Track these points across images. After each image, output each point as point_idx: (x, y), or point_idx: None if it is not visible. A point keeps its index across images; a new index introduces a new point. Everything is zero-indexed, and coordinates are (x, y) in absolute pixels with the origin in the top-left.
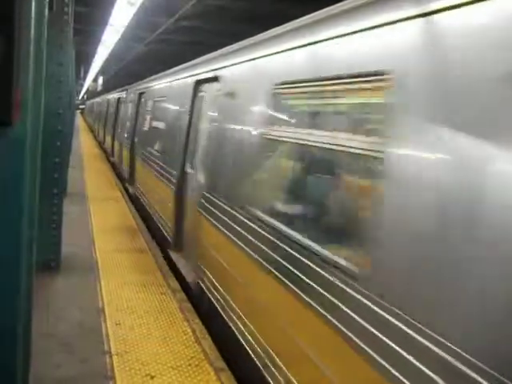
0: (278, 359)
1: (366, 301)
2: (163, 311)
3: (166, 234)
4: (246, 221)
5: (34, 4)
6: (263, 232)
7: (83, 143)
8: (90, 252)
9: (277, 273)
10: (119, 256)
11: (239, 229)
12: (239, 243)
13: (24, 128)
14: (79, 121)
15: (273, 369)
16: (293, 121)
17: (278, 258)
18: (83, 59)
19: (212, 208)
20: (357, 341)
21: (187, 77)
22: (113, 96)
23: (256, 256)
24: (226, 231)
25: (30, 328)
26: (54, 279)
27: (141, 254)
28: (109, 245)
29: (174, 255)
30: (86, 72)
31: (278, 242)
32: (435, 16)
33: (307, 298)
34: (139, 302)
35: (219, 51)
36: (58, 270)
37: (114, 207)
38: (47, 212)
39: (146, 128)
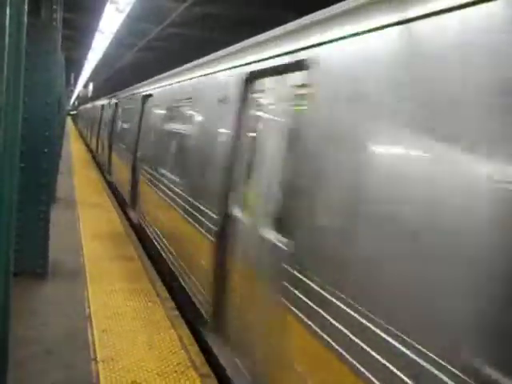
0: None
1: None
2: (151, 318)
3: (196, 301)
4: None
5: (9, 11)
6: None
7: (74, 152)
8: (78, 259)
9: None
10: (107, 263)
11: None
12: None
13: None
14: (70, 128)
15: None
16: None
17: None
18: (73, 65)
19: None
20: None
21: (227, 69)
22: (108, 101)
23: None
24: None
25: (6, 337)
26: (40, 286)
27: (129, 262)
28: (97, 252)
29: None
30: (77, 78)
31: None
32: None
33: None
34: (127, 309)
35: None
36: (45, 276)
37: (103, 214)
38: (34, 218)
39: (154, 142)
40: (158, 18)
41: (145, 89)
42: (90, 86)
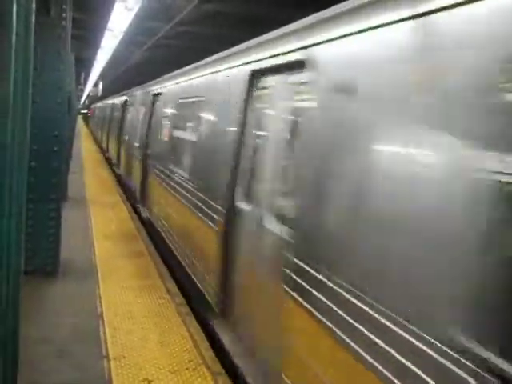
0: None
1: None
2: (162, 316)
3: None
4: None
5: (16, 9)
6: None
7: (85, 153)
8: (89, 257)
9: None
10: (118, 261)
11: None
12: None
13: (4, 134)
14: (81, 128)
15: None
16: None
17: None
18: (83, 65)
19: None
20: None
21: (235, 66)
22: (118, 100)
23: None
24: None
25: (17, 335)
26: (52, 284)
27: (140, 259)
28: (108, 249)
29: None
30: (87, 78)
31: None
32: None
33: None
34: (138, 306)
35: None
36: (57, 275)
37: (114, 212)
38: (45, 217)
39: (158, 138)
40: (167, 16)
41: (155, 87)
42: (100, 85)
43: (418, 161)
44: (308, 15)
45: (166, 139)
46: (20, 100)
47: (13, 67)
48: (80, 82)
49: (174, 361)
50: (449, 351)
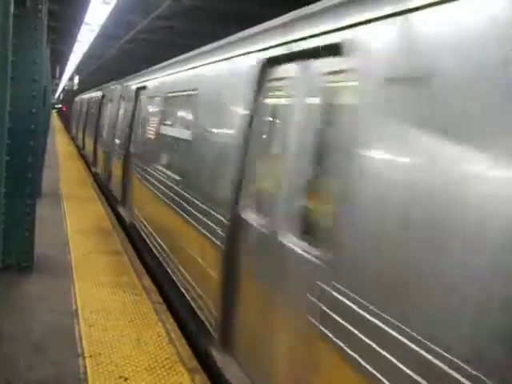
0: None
1: None
2: (138, 312)
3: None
4: None
5: None
6: None
7: (60, 148)
8: (64, 253)
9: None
10: (94, 257)
11: None
12: None
13: None
14: (56, 123)
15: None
16: None
17: None
18: (59, 58)
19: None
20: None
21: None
22: (98, 93)
23: None
24: None
25: None
26: (26, 281)
27: (116, 256)
28: (83, 246)
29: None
30: (62, 71)
31: None
32: None
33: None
34: (114, 303)
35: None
36: (31, 271)
37: (89, 207)
38: (19, 212)
39: (144, 135)
40: (146, 10)
41: (139, 80)
42: (76, 79)
43: None
44: (286, 11)
45: (154, 137)
46: None
47: None
48: (55, 75)
49: (151, 358)
50: None
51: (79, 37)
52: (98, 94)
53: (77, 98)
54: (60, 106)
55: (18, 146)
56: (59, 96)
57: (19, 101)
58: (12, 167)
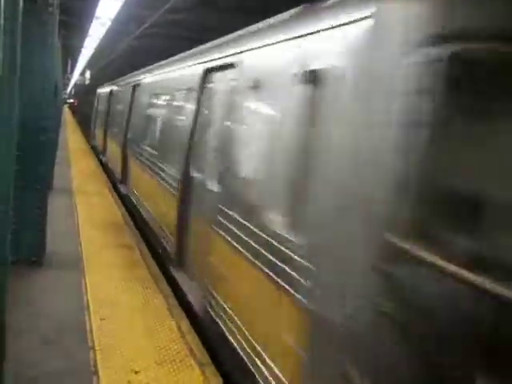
0: None
1: None
2: (149, 306)
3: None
4: None
5: None
6: None
7: (71, 144)
8: (75, 247)
9: None
10: (105, 251)
11: None
12: None
13: None
14: (67, 118)
15: None
16: None
17: None
18: (70, 53)
19: None
20: None
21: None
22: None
23: None
24: None
25: (3, 325)
26: (38, 275)
27: (127, 249)
28: (95, 240)
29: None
30: (74, 66)
31: None
32: None
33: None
34: (124, 296)
35: None
36: (43, 265)
37: (101, 202)
38: (31, 207)
39: (135, 124)
40: (156, 3)
41: (134, 79)
42: (87, 74)
43: None
44: (298, 4)
45: (142, 124)
46: (7, 86)
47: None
48: (67, 70)
49: (161, 351)
50: None
51: (90, 31)
52: (105, 90)
53: (100, 90)
54: (72, 100)
55: (29, 141)
56: (71, 91)
57: (30, 96)
58: (23, 162)
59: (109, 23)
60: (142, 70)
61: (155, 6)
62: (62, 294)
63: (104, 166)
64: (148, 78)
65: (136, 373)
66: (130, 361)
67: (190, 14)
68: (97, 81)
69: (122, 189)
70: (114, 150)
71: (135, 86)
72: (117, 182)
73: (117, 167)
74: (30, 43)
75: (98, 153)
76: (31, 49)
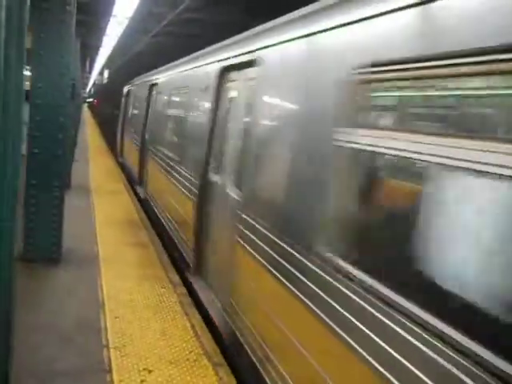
0: None
1: None
2: (163, 305)
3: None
4: None
5: None
6: None
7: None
8: (91, 245)
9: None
10: (121, 249)
11: None
12: None
13: None
14: (87, 118)
15: None
16: None
17: None
18: (89, 52)
19: None
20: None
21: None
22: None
23: None
24: None
25: (10, 319)
26: (54, 272)
27: (143, 248)
28: (111, 238)
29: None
30: (92, 65)
31: None
32: None
33: None
34: (140, 295)
35: None
36: (59, 262)
37: (118, 200)
38: (47, 204)
39: (154, 124)
40: (174, 2)
41: (152, 78)
42: (105, 74)
43: None
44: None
45: (160, 125)
46: (14, 81)
47: (3, 44)
48: (85, 69)
49: (175, 351)
50: None
51: (108, 30)
52: (124, 89)
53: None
54: (91, 100)
55: (46, 139)
56: (90, 90)
57: (47, 94)
58: (40, 160)
59: (126, 22)
60: (160, 68)
61: (171, 5)
62: (78, 292)
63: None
64: (165, 76)
65: (149, 372)
66: (144, 360)
67: (208, 12)
68: (114, 80)
69: None
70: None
71: (153, 85)
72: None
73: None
74: (48, 41)
75: (131, 180)
76: (48, 46)
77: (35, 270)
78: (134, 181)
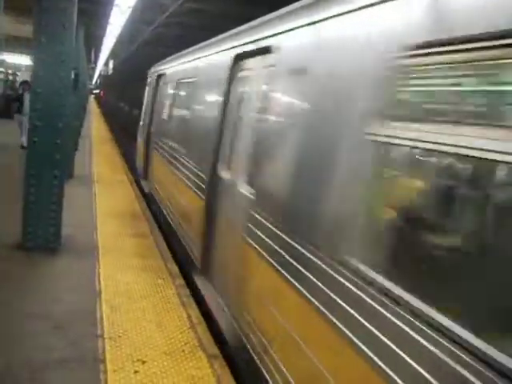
0: None
1: None
2: (160, 296)
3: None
4: None
5: None
6: None
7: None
8: (91, 235)
9: None
10: (121, 240)
11: None
12: None
13: None
14: (93, 109)
15: None
16: None
17: None
18: (93, 42)
19: None
20: None
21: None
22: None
23: None
24: None
25: None
26: (52, 261)
27: (143, 239)
28: (111, 228)
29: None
30: (97, 55)
31: None
32: None
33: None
34: (137, 286)
35: None
36: (58, 251)
37: (120, 191)
38: (47, 194)
39: (160, 116)
40: None
41: (159, 68)
42: (110, 64)
43: None
44: None
45: (166, 118)
46: None
47: None
48: (90, 59)
49: (170, 342)
50: None
51: (111, 20)
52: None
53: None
54: (98, 91)
55: (46, 127)
56: (97, 81)
57: (47, 82)
58: (40, 148)
59: (129, 11)
60: (167, 58)
61: None
62: (76, 282)
63: None
64: (173, 66)
65: (143, 363)
66: (138, 350)
67: (212, 2)
68: (120, 72)
69: None
70: None
71: (160, 76)
72: None
73: None
74: (49, 29)
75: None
76: (49, 34)
77: (34, 259)
78: (137, 174)
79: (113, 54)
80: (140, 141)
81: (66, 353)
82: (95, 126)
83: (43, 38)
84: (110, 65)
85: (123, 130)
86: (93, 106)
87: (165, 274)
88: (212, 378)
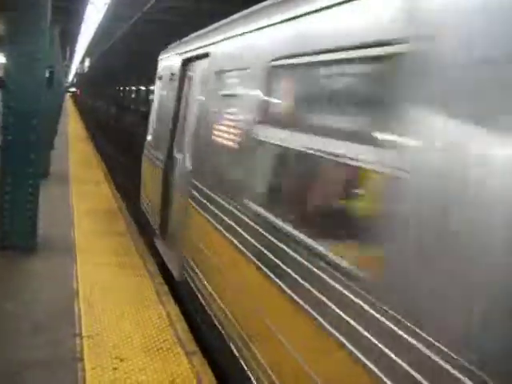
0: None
1: None
2: (139, 293)
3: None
4: None
5: None
6: None
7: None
8: (68, 233)
9: None
10: (98, 238)
11: None
12: None
13: None
14: (69, 109)
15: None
16: None
17: None
18: (69, 40)
19: None
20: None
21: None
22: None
23: None
24: None
25: None
26: (29, 260)
27: (120, 237)
28: (88, 227)
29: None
30: (72, 53)
31: None
32: None
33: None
34: (115, 284)
35: None
36: (35, 251)
37: (96, 189)
38: (23, 192)
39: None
40: None
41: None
42: (87, 62)
43: None
44: None
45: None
46: None
47: None
48: (65, 57)
49: (149, 339)
50: None
51: (86, 16)
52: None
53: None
54: (74, 89)
55: (20, 125)
56: (73, 80)
57: (20, 79)
58: (14, 147)
59: (104, 9)
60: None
61: None
62: (54, 281)
63: None
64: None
65: (121, 360)
66: (117, 348)
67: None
68: (96, 70)
69: None
70: None
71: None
72: None
73: None
74: (21, 26)
75: None
76: (21, 31)
77: (10, 258)
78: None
79: (88, 52)
80: (150, 169)
81: (43, 352)
82: (71, 125)
83: (16, 35)
84: (86, 63)
85: (100, 129)
86: (69, 103)
87: (143, 271)
88: (191, 373)
